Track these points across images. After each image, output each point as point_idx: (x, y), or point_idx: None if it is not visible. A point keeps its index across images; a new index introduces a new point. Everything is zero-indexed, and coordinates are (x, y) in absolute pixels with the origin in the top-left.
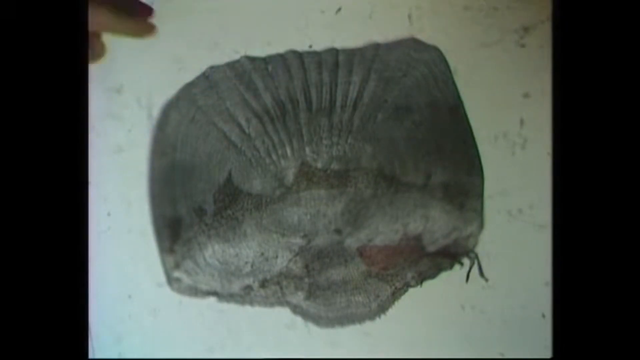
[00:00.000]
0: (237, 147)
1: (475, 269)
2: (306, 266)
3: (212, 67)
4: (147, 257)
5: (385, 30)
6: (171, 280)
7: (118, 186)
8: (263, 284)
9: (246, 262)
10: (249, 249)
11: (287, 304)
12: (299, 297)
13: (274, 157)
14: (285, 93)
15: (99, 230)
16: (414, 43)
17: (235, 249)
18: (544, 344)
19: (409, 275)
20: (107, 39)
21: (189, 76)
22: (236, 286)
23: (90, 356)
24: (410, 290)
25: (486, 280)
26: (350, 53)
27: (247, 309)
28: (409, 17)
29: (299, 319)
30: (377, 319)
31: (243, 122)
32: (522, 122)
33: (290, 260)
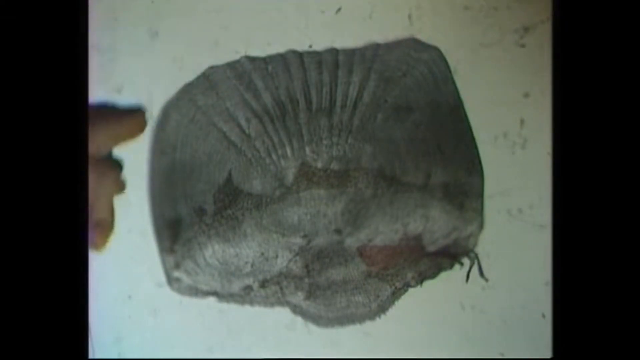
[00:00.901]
0: (237, 147)
1: (475, 269)
2: (306, 266)
3: (212, 67)
4: (147, 257)
5: (385, 30)
6: (171, 280)
7: None
8: (263, 284)
9: (246, 262)
10: (249, 249)
11: (287, 304)
12: (299, 297)
13: (274, 157)
14: (285, 93)
15: None
16: (414, 43)
17: (235, 249)
18: (544, 344)
19: (409, 275)
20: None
21: (189, 76)
22: (236, 286)
23: (90, 356)
24: (410, 290)
25: (486, 280)
26: (350, 53)
27: (247, 309)
28: (409, 17)
29: (299, 319)
30: (377, 319)
31: (243, 122)
32: (522, 122)
33: (290, 260)
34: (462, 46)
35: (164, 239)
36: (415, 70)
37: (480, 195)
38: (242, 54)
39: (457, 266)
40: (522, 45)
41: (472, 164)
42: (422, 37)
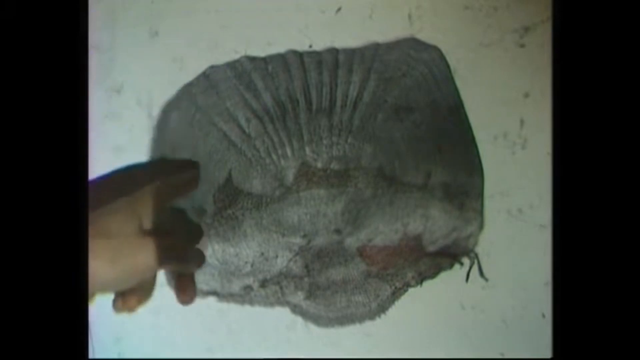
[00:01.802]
0: (237, 147)
1: (475, 269)
2: (306, 266)
3: (212, 67)
4: None
5: (385, 30)
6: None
7: None
8: (263, 283)
9: (246, 262)
10: (249, 248)
11: (287, 304)
12: (299, 297)
13: (274, 157)
14: (285, 93)
15: None
16: (413, 43)
17: (235, 248)
18: (544, 344)
19: (409, 275)
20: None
21: (189, 76)
22: (236, 286)
23: (90, 356)
24: (410, 290)
25: (486, 280)
26: (350, 53)
27: (247, 309)
28: (409, 17)
29: (299, 319)
30: (377, 319)
31: (243, 122)
32: (522, 122)
33: (290, 260)
34: (462, 46)
35: None
36: (415, 70)
37: (480, 195)
38: (242, 53)
39: (457, 266)
40: (522, 45)
41: (472, 164)
42: (422, 37)
